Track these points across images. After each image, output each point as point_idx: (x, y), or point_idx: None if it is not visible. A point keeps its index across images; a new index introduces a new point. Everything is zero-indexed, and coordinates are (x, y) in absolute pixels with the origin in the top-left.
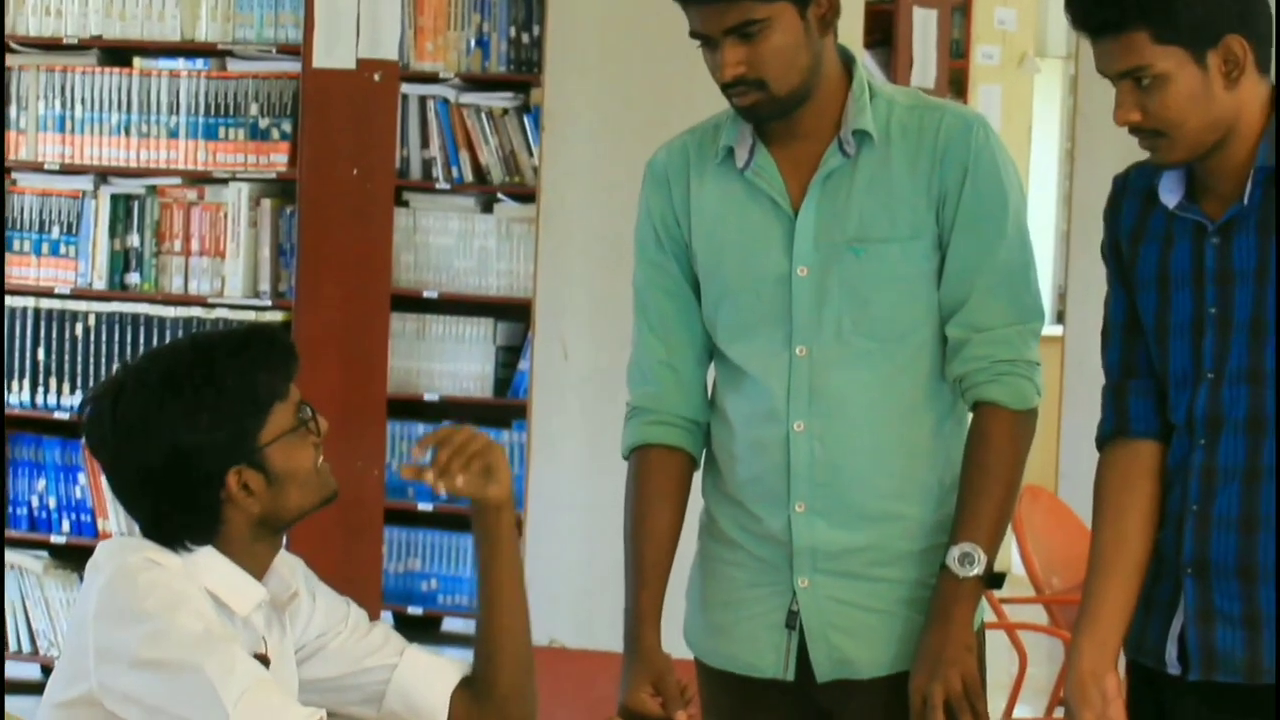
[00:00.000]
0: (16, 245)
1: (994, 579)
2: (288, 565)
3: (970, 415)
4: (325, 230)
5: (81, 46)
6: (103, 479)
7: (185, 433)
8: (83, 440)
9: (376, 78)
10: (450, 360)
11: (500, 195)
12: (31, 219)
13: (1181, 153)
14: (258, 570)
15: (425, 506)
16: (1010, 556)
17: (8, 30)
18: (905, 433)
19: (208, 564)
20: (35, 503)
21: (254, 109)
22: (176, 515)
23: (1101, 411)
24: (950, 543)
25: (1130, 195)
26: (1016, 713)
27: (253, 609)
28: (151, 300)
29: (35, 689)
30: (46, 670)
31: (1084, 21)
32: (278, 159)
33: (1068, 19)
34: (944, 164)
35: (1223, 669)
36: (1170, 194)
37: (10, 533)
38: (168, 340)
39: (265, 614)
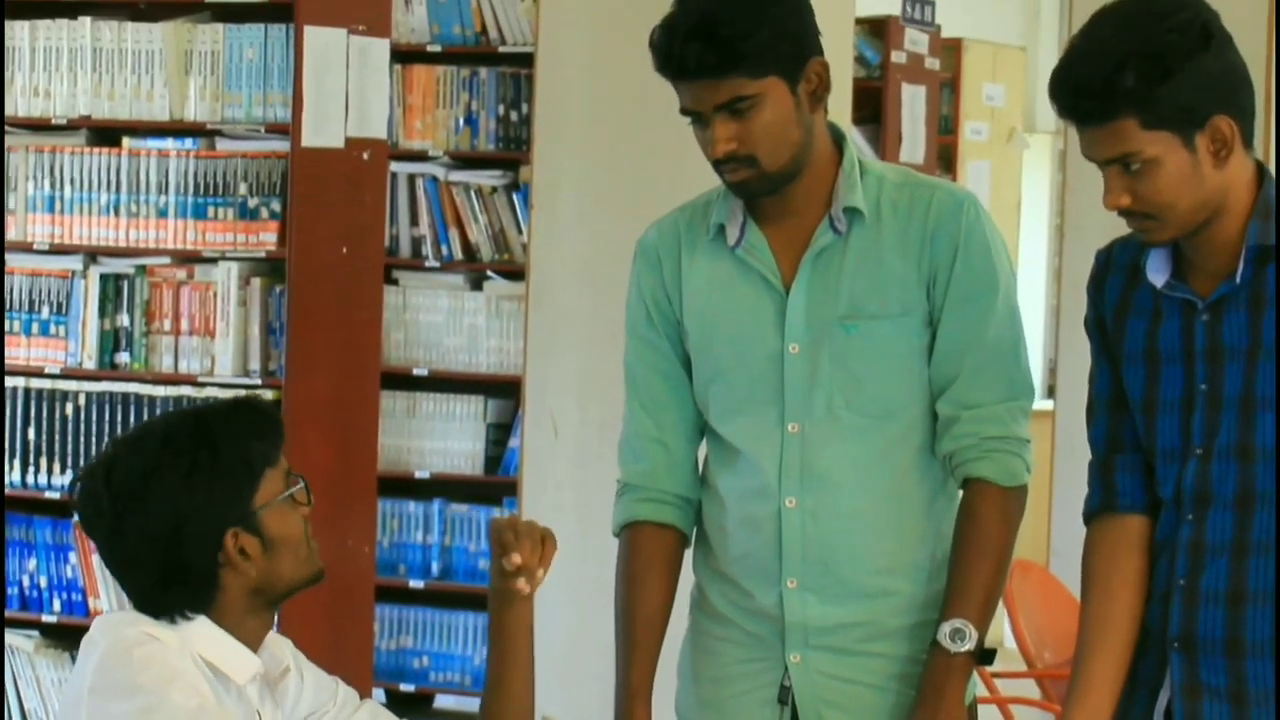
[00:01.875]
0: (6, 325)
1: (985, 654)
2: (278, 643)
3: (960, 491)
4: (315, 308)
5: (70, 127)
6: (94, 558)
7: (183, 494)
8: (74, 519)
9: (365, 156)
10: (441, 438)
11: (490, 273)
12: (21, 299)
13: (1172, 232)
14: (251, 644)
15: (417, 584)
16: (1002, 630)
17: None
18: (897, 508)
19: (203, 633)
20: (26, 582)
21: (243, 188)
22: (175, 581)
23: (1088, 486)
24: (941, 618)
25: (1115, 270)
26: None
27: (249, 679)
28: (141, 380)
29: None
30: None
31: (1070, 111)
32: (267, 238)
33: (1053, 108)
34: (934, 241)
35: None
36: (1157, 274)
37: None
38: None
39: (259, 687)
